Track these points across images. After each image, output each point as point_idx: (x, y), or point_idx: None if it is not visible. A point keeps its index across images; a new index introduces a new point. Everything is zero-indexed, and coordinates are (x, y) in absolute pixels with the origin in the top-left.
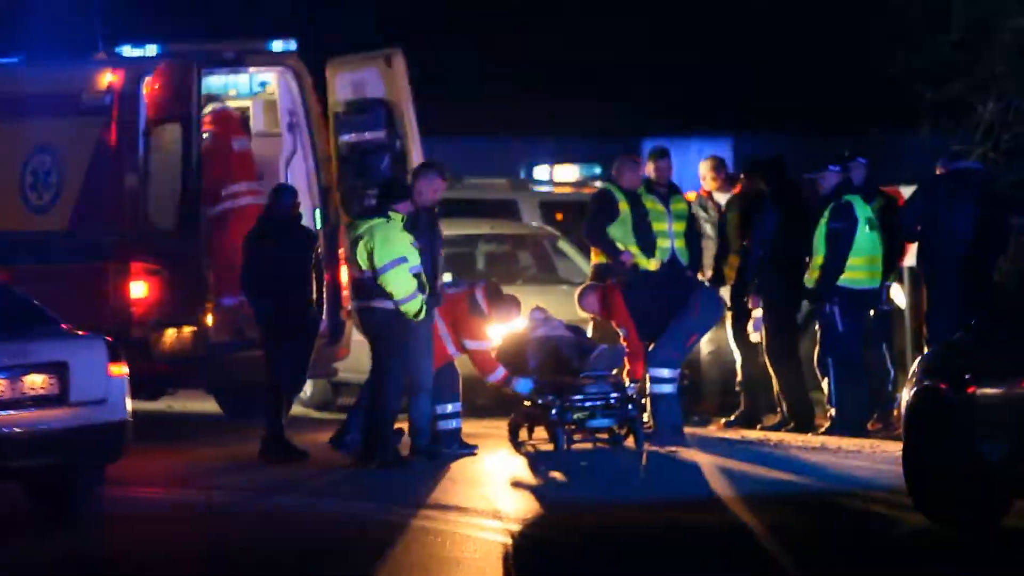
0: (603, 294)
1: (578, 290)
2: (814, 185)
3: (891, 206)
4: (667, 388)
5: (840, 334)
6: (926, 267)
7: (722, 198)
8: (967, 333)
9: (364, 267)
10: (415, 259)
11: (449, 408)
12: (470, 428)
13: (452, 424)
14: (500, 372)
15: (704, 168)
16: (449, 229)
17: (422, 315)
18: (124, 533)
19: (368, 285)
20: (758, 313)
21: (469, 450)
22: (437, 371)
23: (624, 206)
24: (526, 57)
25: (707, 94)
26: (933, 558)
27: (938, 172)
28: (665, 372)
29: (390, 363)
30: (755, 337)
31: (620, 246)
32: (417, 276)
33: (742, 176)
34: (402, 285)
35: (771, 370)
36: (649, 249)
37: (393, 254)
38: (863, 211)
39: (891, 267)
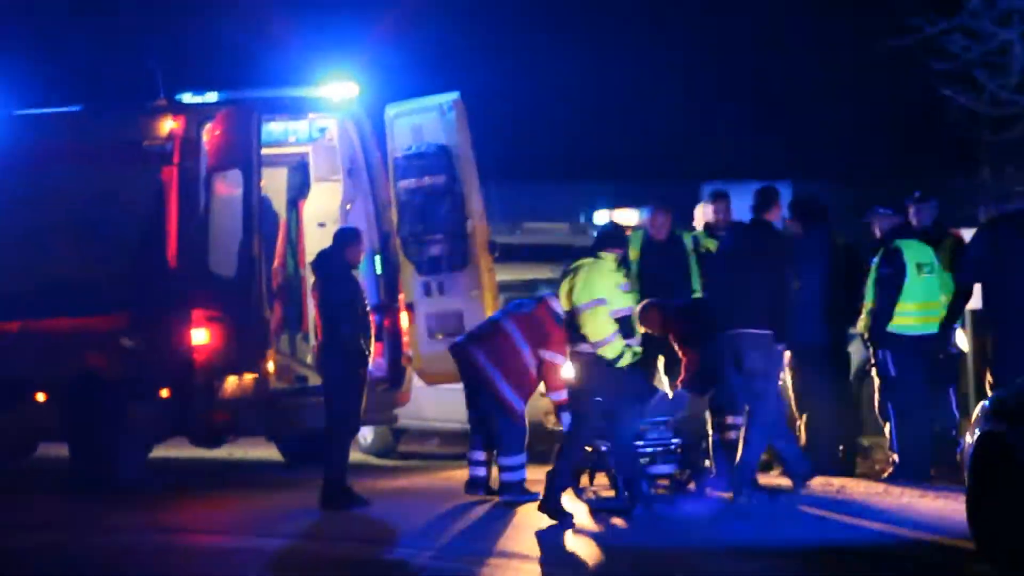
0: (665, 316)
1: (638, 307)
2: (869, 229)
3: (961, 249)
4: (729, 434)
5: (895, 380)
6: (989, 310)
7: None
8: None
9: (565, 306)
10: (619, 303)
11: (512, 460)
12: (531, 474)
13: (517, 476)
14: (563, 395)
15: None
16: (508, 274)
17: (624, 361)
18: None
19: (574, 328)
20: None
21: (531, 496)
22: (505, 424)
23: (634, 254)
24: (585, 101)
25: (767, 138)
26: None
27: (996, 215)
28: (727, 419)
29: (616, 409)
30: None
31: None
32: (621, 321)
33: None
34: (598, 327)
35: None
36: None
37: (592, 295)
38: (914, 256)
39: (957, 311)
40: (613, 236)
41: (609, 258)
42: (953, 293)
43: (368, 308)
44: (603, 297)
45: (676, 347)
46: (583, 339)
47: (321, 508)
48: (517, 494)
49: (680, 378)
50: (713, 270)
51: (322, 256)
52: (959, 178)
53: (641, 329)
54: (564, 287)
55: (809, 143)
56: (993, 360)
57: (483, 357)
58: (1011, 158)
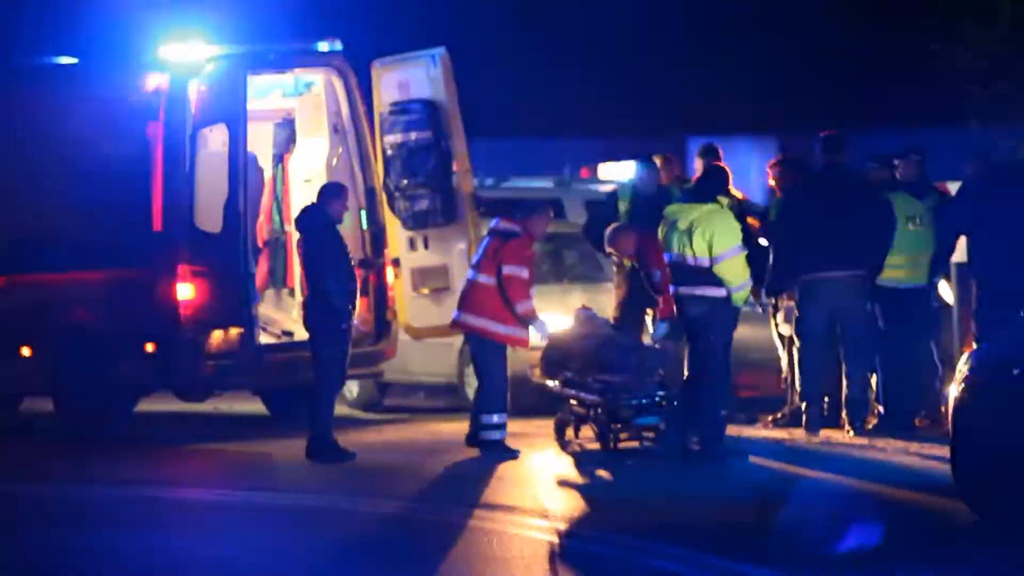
0: (639, 239)
1: (609, 230)
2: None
3: (945, 203)
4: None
5: (884, 332)
6: (973, 263)
7: None
8: (1015, 327)
9: (700, 254)
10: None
11: (495, 419)
12: (516, 428)
13: (496, 435)
14: (530, 304)
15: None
16: None
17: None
18: (166, 531)
19: (699, 272)
20: (789, 304)
21: (512, 455)
22: (486, 381)
23: (624, 206)
24: (573, 56)
25: (754, 91)
26: (982, 554)
27: (980, 168)
28: None
29: (719, 351)
30: (784, 329)
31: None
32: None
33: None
34: (740, 273)
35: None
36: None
37: (733, 242)
38: (904, 209)
39: (942, 264)
40: (722, 180)
41: (725, 203)
42: (937, 246)
43: (353, 263)
44: (740, 243)
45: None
46: (715, 284)
47: (307, 461)
48: (499, 452)
49: (659, 309)
50: (792, 217)
51: (307, 212)
52: (946, 131)
53: (609, 251)
54: (700, 237)
55: (795, 95)
56: (976, 312)
57: (472, 317)
58: (999, 111)
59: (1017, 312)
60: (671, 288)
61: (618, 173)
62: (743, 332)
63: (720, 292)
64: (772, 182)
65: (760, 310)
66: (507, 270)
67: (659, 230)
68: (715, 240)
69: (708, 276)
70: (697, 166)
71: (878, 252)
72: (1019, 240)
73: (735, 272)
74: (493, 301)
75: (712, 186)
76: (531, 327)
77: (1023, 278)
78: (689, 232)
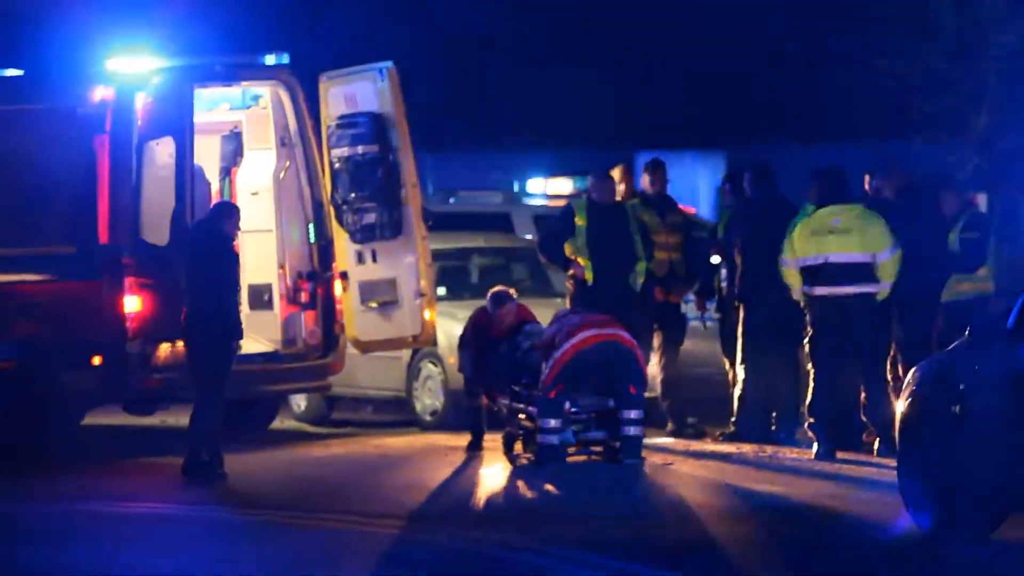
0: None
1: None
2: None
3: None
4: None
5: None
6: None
7: None
8: (962, 343)
9: (865, 251)
10: None
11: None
12: (465, 442)
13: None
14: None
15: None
16: (442, 243)
17: None
18: (111, 547)
19: (861, 269)
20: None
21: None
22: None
23: (580, 221)
24: (521, 71)
25: (701, 107)
26: (929, 568)
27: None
28: None
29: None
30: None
31: (577, 259)
32: None
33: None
34: (896, 272)
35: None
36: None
37: (892, 242)
38: None
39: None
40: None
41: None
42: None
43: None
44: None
45: None
46: (875, 281)
47: (255, 475)
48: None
49: None
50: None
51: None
52: (893, 146)
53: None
54: (863, 236)
55: (744, 109)
56: (897, 329)
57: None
58: (943, 127)
59: (929, 326)
60: (819, 290)
61: (566, 188)
62: (688, 346)
63: (876, 288)
64: None
65: (704, 325)
66: None
67: (796, 232)
68: (879, 239)
69: (869, 273)
70: (644, 181)
71: None
72: (931, 257)
73: (892, 271)
74: None
75: (846, 188)
76: None
77: (935, 293)
78: (851, 231)
